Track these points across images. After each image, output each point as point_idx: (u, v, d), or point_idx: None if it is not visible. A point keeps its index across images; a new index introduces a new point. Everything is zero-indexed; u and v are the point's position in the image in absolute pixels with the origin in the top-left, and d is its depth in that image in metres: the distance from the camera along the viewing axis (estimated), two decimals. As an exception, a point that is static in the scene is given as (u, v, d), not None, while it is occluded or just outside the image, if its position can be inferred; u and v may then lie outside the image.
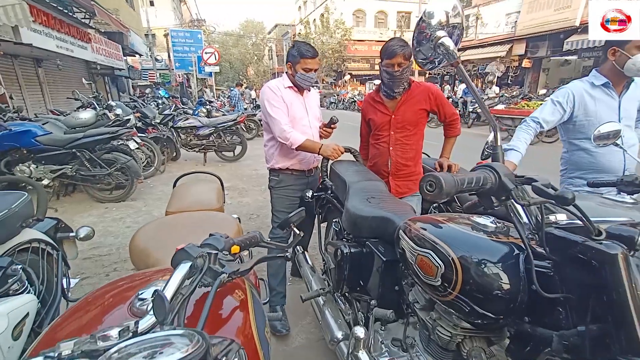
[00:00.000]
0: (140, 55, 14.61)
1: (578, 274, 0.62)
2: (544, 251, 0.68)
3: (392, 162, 1.88)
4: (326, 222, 2.04)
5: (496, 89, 12.67)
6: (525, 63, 13.88)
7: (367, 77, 25.75)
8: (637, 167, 1.66)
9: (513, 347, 0.79)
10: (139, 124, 5.75)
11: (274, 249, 0.89)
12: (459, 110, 11.18)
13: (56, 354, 0.45)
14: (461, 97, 12.40)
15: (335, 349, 1.37)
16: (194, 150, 6.18)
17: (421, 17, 0.56)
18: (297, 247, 2.04)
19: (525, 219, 0.72)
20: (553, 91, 6.58)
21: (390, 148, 1.87)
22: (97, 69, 9.44)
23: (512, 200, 0.53)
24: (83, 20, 7.89)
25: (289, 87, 1.93)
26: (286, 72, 1.97)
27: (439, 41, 0.55)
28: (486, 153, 1.13)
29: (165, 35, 19.31)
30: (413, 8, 25.76)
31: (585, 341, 0.59)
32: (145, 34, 16.55)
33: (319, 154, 1.83)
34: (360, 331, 0.78)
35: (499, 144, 0.91)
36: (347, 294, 1.47)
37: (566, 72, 14.06)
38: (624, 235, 0.57)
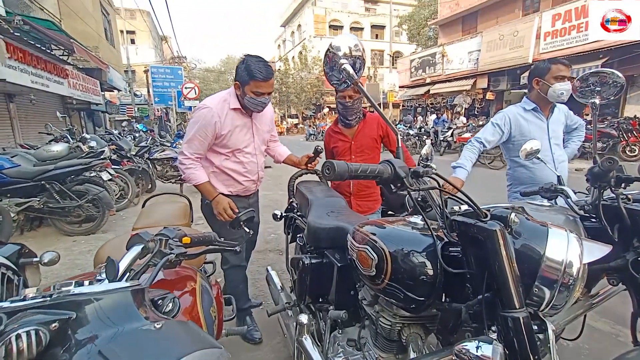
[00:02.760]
0: (119, 90, 14.72)
1: (475, 251, 0.74)
2: (454, 238, 0.80)
3: (353, 183, 2.04)
4: (295, 242, 2.11)
5: (463, 119, 13.61)
6: (489, 95, 15.05)
7: (344, 110, 26.72)
8: (568, 178, 1.89)
9: (440, 327, 0.89)
10: (114, 157, 5.72)
11: (226, 248, 0.96)
12: (431, 139, 11.84)
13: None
14: (432, 127, 13.18)
15: None
16: (170, 182, 6.16)
17: (328, 49, 0.72)
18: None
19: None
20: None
21: None
22: (73, 103, 9.42)
23: (406, 186, 0.65)
24: (61, 57, 8.01)
25: (235, 108, 1.68)
26: (233, 88, 1.70)
27: (342, 67, 0.71)
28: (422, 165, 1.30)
29: (145, 72, 19.63)
30: (385, 47, 27.75)
31: (482, 307, 0.70)
32: (125, 70, 16.80)
33: (209, 201, 1.69)
34: (304, 317, 0.86)
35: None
36: (310, 305, 1.53)
37: (525, 102, 15.28)
38: (503, 216, 0.71)
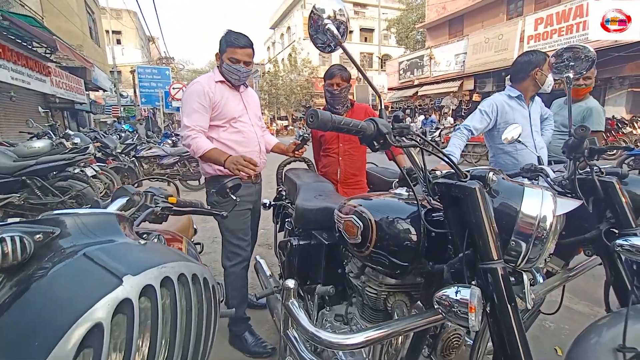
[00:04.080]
0: (105, 90, 14.44)
1: (456, 211, 0.77)
2: (435, 200, 0.83)
3: (341, 171, 2.07)
4: (283, 231, 2.12)
5: (451, 119, 13.86)
6: (475, 97, 15.38)
7: (334, 111, 26.91)
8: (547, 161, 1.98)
9: (424, 292, 0.91)
10: (99, 155, 5.61)
11: (213, 212, 0.96)
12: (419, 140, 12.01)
13: None
14: (421, 128, 13.38)
15: (287, 340, 1.41)
16: (158, 180, 6.07)
17: (312, 11, 0.73)
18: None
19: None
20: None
21: (340, 158, 2.06)
22: (55, 102, 9.19)
23: (389, 143, 0.67)
24: (44, 55, 7.82)
25: (220, 81, 1.68)
26: (217, 66, 1.72)
27: (326, 27, 0.72)
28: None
29: (132, 72, 19.31)
30: (374, 49, 28.09)
31: (463, 263, 0.72)
32: (110, 70, 16.50)
33: (223, 167, 1.55)
34: (290, 282, 0.87)
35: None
36: (299, 288, 1.53)
37: (509, 104, 15.66)
38: (481, 175, 0.74)
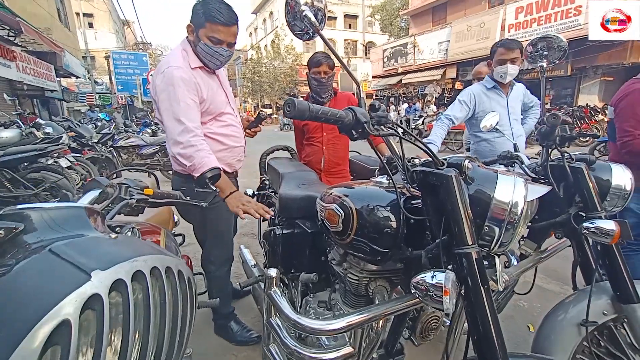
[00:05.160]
0: (77, 77, 13.74)
1: (434, 198, 0.79)
2: (414, 188, 0.84)
3: (325, 160, 2.07)
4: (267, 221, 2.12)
5: (434, 108, 14.02)
6: (458, 85, 15.56)
7: (318, 100, 26.74)
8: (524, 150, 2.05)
9: (404, 278, 0.94)
10: (74, 145, 5.37)
11: (192, 203, 0.94)
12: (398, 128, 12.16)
13: None
14: (404, 116, 13.49)
15: (271, 327, 1.43)
16: (137, 171, 5.90)
17: None
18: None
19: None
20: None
21: (324, 147, 2.06)
22: (23, 89, 8.68)
23: (367, 132, 0.67)
24: (7, 38, 7.32)
25: (198, 67, 1.38)
26: (186, 39, 1.39)
27: (303, 14, 0.71)
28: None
29: (106, 58, 18.43)
30: (358, 37, 27.82)
31: (440, 248, 0.74)
32: (83, 56, 15.67)
33: (223, 199, 1.29)
34: (272, 271, 0.87)
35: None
36: (282, 276, 1.55)
37: (490, 92, 15.96)
38: (457, 163, 0.75)
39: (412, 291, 0.67)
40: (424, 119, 11.87)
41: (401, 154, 0.79)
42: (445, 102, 16.27)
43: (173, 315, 0.47)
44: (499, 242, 0.72)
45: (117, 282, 0.39)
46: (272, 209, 1.79)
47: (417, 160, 0.86)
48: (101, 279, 0.38)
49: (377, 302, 0.94)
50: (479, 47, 13.04)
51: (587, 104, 9.31)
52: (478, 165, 0.80)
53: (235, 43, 1.39)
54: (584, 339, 1.09)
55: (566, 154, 1.12)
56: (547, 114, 1.03)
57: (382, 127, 0.72)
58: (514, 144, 1.45)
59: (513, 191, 0.70)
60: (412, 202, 0.90)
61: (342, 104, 2.06)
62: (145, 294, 0.42)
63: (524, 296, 1.74)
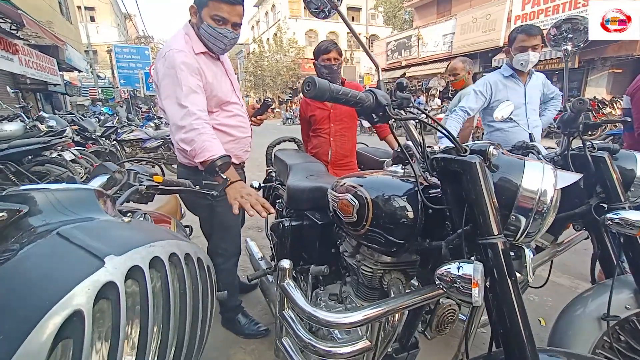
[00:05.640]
0: (80, 71, 13.70)
1: (455, 186, 0.75)
2: (433, 177, 0.81)
3: (332, 152, 2.03)
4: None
5: (438, 101, 13.90)
6: (462, 78, 15.37)
7: (321, 94, 26.57)
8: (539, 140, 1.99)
9: (421, 270, 0.91)
10: (78, 138, 5.36)
11: (203, 191, 0.90)
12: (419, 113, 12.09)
13: None
14: (408, 109, 13.36)
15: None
16: (141, 163, 5.89)
17: None
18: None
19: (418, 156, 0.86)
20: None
21: (331, 139, 2.02)
22: (26, 83, 8.65)
23: (388, 115, 0.64)
24: (10, 31, 7.27)
25: (202, 53, 1.31)
26: (189, 23, 1.32)
27: (320, -11, 0.67)
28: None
29: (109, 52, 18.35)
30: (361, 29, 27.46)
31: (462, 239, 0.71)
32: (85, 50, 15.61)
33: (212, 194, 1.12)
34: (285, 262, 0.84)
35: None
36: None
37: (495, 86, 15.75)
38: (481, 149, 0.72)
39: (436, 283, 0.64)
40: (429, 112, 11.74)
41: (421, 140, 0.75)
42: (449, 95, 16.07)
43: (193, 306, 0.43)
44: (525, 232, 0.68)
45: (133, 269, 0.35)
46: (280, 200, 1.76)
47: (435, 148, 0.82)
48: (116, 265, 0.34)
49: (392, 294, 0.91)
50: (484, 39, 12.84)
51: (594, 97, 9.16)
52: (502, 152, 0.76)
53: (240, 24, 1.31)
54: (604, 333, 1.06)
55: (588, 143, 1.07)
56: (573, 99, 0.99)
57: (402, 110, 0.68)
58: (530, 134, 1.41)
59: (542, 179, 0.66)
60: (430, 191, 0.87)
61: None
62: (164, 283, 0.39)
63: (535, 290, 1.71)
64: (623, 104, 1.91)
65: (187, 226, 1.31)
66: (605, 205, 1.08)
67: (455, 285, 0.60)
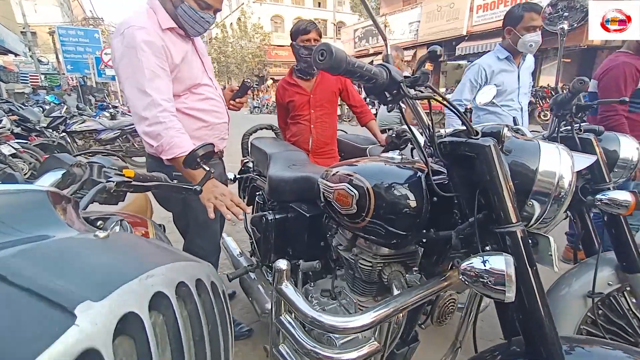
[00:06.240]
0: (17, 55, 12.22)
1: (465, 172, 0.70)
2: (439, 159, 0.75)
3: (313, 139, 1.93)
4: (252, 206, 1.98)
5: (405, 89, 14.16)
6: (428, 66, 15.73)
7: (289, 82, 26.09)
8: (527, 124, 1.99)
9: (424, 261, 0.86)
10: (18, 130, 4.76)
11: (184, 186, 0.77)
12: (376, 108, 12.17)
13: None
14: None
15: (267, 319, 1.32)
16: (95, 155, 5.39)
17: None
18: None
19: (420, 139, 0.80)
20: (452, 90, 7.69)
21: (312, 126, 1.92)
22: (-49, 67, 7.54)
23: (403, 93, 0.56)
24: None
25: (170, 28, 1.16)
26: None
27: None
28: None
29: (51, 34, 16.53)
30: (328, 16, 27.09)
31: (475, 228, 0.66)
32: (21, 31, 13.91)
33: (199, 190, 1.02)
34: (282, 263, 0.75)
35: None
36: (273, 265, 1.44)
37: (459, 75, 16.33)
38: (494, 132, 0.66)
39: (461, 278, 0.58)
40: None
41: (429, 122, 0.69)
42: (416, 83, 16.42)
43: (212, 351, 0.30)
44: (541, 218, 0.65)
45: (126, 319, 0.22)
46: (260, 192, 1.65)
47: (442, 132, 0.76)
48: (96, 319, 0.20)
49: (395, 288, 0.85)
50: (448, 27, 13.18)
51: (547, 85, 9.80)
52: (513, 135, 0.72)
53: (220, 10, 1.24)
54: (589, 310, 1.09)
55: (576, 125, 1.08)
56: (574, 80, 0.97)
57: (416, 88, 0.61)
58: (514, 118, 1.41)
59: (559, 162, 0.62)
60: (433, 178, 0.82)
61: (329, 80, 1.92)
62: (174, 329, 0.26)
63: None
64: (590, 88, 1.98)
65: (159, 224, 1.17)
66: (589, 187, 1.10)
67: (481, 280, 0.55)
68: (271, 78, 26.36)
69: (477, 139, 0.66)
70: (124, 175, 0.54)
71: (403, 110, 0.67)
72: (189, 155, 0.67)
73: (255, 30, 25.01)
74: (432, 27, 13.79)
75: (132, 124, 5.46)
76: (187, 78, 1.23)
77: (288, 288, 0.73)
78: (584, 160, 0.73)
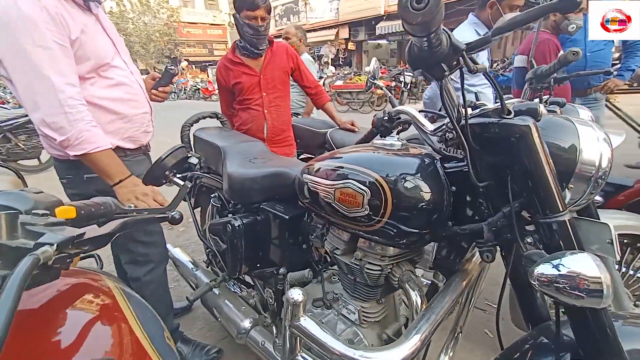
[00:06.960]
0: None
1: (497, 157, 0.62)
2: (460, 143, 0.65)
3: (268, 126, 1.71)
4: (200, 207, 1.69)
5: (332, 68, 14.23)
6: (350, 46, 16.03)
7: (207, 64, 24.06)
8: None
9: (440, 256, 0.78)
10: None
11: (156, 217, 0.53)
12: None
13: None
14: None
15: (245, 340, 1.14)
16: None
17: None
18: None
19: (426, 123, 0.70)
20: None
21: (265, 111, 1.69)
22: None
23: (464, 63, 0.44)
24: None
25: None
26: None
27: None
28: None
29: None
30: (243, -10, 25.28)
31: (512, 220, 0.59)
32: None
33: (111, 187, 0.97)
34: (296, 293, 0.59)
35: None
36: (246, 276, 1.24)
37: (380, 54, 17.11)
38: (530, 109, 0.59)
39: (534, 284, 0.49)
40: (325, 80, 11.90)
41: (460, 101, 0.58)
42: (340, 63, 16.65)
43: None
44: (576, 202, 0.61)
45: None
46: (215, 195, 1.39)
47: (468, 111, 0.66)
48: None
49: (410, 290, 0.76)
50: (366, 6, 13.51)
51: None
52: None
53: None
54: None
55: (544, 99, 1.10)
56: (568, 50, 0.96)
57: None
58: (475, 93, 1.41)
59: (598, 142, 0.58)
60: (446, 165, 0.73)
61: (280, 57, 1.69)
62: None
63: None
64: (515, 63, 2.14)
65: (90, 256, 0.86)
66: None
67: (557, 285, 0.47)
68: (185, 59, 23.88)
69: (512, 118, 0.58)
70: (59, 222, 0.29)
71: (445, 87, 0.54)
72: (155, 167, 0.45)
73: (160, 5, 22.10)
74: (352, 6, 13.99)
75: (15, 120, 4.34)
76: (91, 56, 1.00)
77: (308, 322, 0.57)
78: (615, 139, 0.71)
